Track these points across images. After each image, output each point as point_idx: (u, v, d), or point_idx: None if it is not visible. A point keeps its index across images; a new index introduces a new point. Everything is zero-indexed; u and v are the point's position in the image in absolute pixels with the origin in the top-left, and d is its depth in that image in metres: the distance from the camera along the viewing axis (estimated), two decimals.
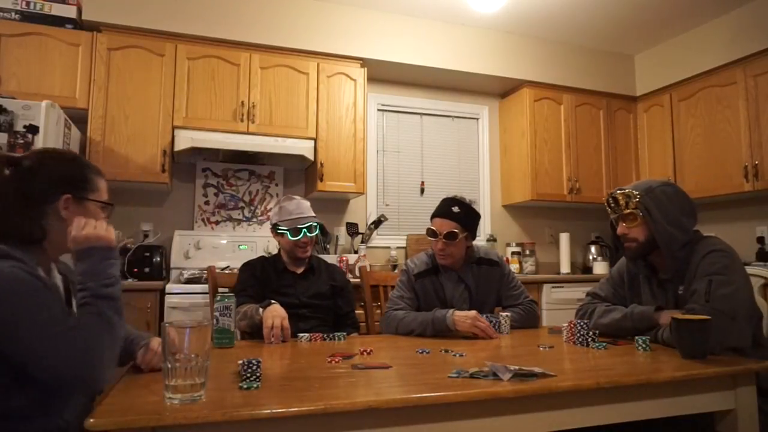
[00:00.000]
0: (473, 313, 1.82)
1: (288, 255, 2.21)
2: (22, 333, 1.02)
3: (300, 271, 2.21)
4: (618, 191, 1.70)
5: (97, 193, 1.29)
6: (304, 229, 2.15)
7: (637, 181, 1.77)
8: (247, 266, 2.21)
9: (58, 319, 1.05)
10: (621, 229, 1.69)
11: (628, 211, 1.65)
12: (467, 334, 1.79)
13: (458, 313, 1.82)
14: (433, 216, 2.11)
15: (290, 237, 2.14)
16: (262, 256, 2.29)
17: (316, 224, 2.20)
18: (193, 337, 0.97)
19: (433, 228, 2.07)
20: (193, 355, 0.97)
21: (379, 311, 2.49)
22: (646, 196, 1.62)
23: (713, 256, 1.56)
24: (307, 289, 2.16)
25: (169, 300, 2.81)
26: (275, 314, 1.75)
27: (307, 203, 2.24)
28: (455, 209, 2.06)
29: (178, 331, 0.97)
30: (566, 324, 1.69)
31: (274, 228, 2.19)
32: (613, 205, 1.71)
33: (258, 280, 2.14)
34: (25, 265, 1.09)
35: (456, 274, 2.11)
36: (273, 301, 1.84)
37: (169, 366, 0.95)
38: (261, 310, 1.81)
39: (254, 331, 1.89)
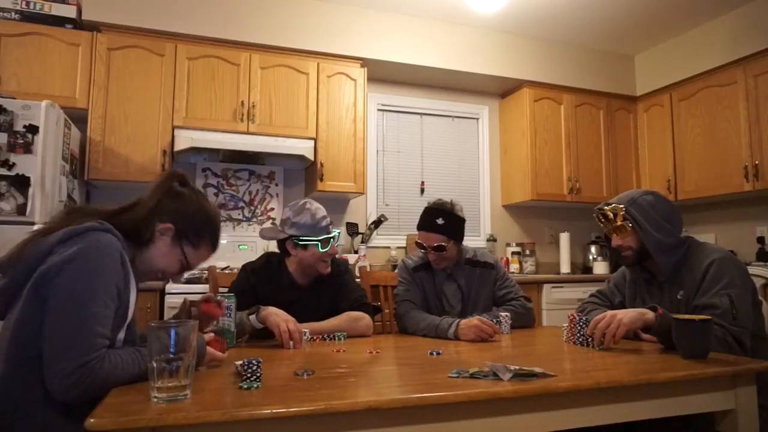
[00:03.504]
0: (476, 320, 1.75)
1: (304, 270, 1.91)
2: (60, 305, 1.04)
3: (307, 285, 1.95)
4: (605, 207, 1.77)
5: (194, 253, 1.33)
6: (332, 238, 1.90)
7: (625, 191, 1.86)
8: (244, 273, 1.95)
9: (100, 325, 1.05)
10: (615, 241, 1.77)
11: (619, 223, 1.73)
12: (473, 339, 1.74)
13: (462, 324, 1.78)
14: (419, 228, 2.08)
15: (320, 249, 1.87)
16: (266, 261, 1.98)
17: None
18: (179, 337, 0.97)
19: (420, 241, 2.07)
20: (180, 356, 0.96)
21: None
22: (630, 207, 1.71)
23: (722, 267, 1.59)
24: (311, 310, 1.84)
25: (169, 300, 2.81)
26: (283, 317, 1.61)
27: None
28: (439, 221, 2.02)
29: (163, 330, 0.97)
30: (567, 320, 1.69)
31: (294, 241, 1.87)
32: (603, 220, 1.79)
33: (253, 294, 1.87)
34: (124, 250, 1.16)
35: (447, 272, 2.12)
36: (261, 306, 1.66)
37: (155, 366, 0.94)
38: (253, 315, 1.65)
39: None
